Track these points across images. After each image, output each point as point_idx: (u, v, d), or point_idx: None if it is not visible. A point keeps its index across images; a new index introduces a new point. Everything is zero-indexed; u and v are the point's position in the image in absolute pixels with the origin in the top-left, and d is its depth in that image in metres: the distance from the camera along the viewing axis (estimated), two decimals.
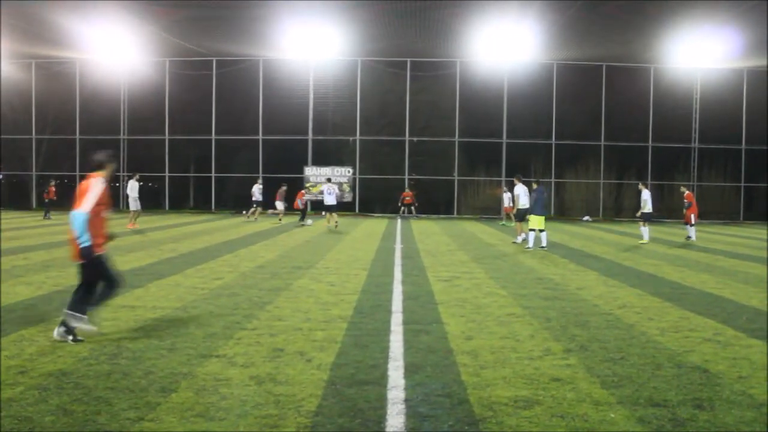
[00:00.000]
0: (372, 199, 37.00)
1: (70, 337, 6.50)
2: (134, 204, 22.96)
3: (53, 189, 28.76)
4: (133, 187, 22.96)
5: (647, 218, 20.31)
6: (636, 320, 8.08)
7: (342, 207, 34.56)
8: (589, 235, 23.44)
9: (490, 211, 33.77)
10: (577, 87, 35.98)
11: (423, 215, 34.60)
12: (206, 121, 36.70)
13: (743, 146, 36.43)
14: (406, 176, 36.12)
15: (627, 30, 28.91)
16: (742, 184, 36.86)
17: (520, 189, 18.68)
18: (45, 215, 28.02)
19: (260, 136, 36.51)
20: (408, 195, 34.60)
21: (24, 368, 5.61)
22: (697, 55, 33.02)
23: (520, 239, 19.05)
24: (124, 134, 37.47)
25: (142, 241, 18.10)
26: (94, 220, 6.50)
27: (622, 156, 36.65)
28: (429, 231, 24.35)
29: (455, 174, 36.61)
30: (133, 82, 36.88)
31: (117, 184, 38.54)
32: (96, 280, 6.71)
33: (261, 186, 29.18)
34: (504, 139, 36.29)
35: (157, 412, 4.59)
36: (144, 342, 6.58)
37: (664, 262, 14.81)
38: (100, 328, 6.89)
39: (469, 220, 33.71)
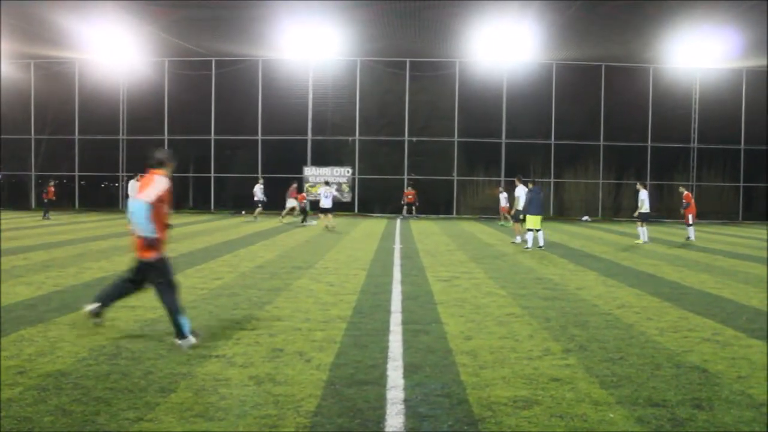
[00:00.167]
0: (371, 199, 37.00)
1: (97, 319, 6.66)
2: None
3: (52, 189, 28.73)
4: (133, 187, 22.90)
5: (645, 218, 20.33)
6: (635, 320, 8.08)
7: (341, 207, 34.65)
8: (588, 235, 23.45)
9: (490, 211, 33.73)
10: (576, 87, 35.98)
11: (422, 215, 34.59)
12: (205, 121, 36.67)
13: (742, 146, 36.43)
14: (405, 176, 36.12)
15: (626, 30, 28.92)
16: (741, 184, 36.87)
17: (521, 190, 18.68)
18: (44, 215, 28.00)
19: (259, 136, 36.50)
20: (410, 194, 34.63)
21: (23, 368, 5.60)
22: (696, 56, 33.03)
23: (518, 239, 19.06)
24: (123, 134, 37.45)
25: None
26: (156, 217, 6.47)
27: (622, 156, 36.66)
28: (428, 231, 24.35)
29: (454, 174, 36.61)
30: (132, 82, 36.84)
31: (116, 184, 38.60)
32: (147, 279, 6.64)
33: (262, 186, 29.18)
34: (503, 139, 36.29)
35: (156, 412, 4.59)
36: (143, 342, 6.58)
37: (664, 262, 14.81)
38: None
39: (468, 220, 33.71)
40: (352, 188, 36.29)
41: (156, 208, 6.45)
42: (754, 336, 7.30)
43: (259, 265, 12.96)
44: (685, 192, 22.02)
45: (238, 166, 37.18)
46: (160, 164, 6.73)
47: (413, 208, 34.35)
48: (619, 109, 36.36)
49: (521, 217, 18.68)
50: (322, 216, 24.75)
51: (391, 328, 7.44)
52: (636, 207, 20.53)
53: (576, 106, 36.59)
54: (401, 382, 5.39)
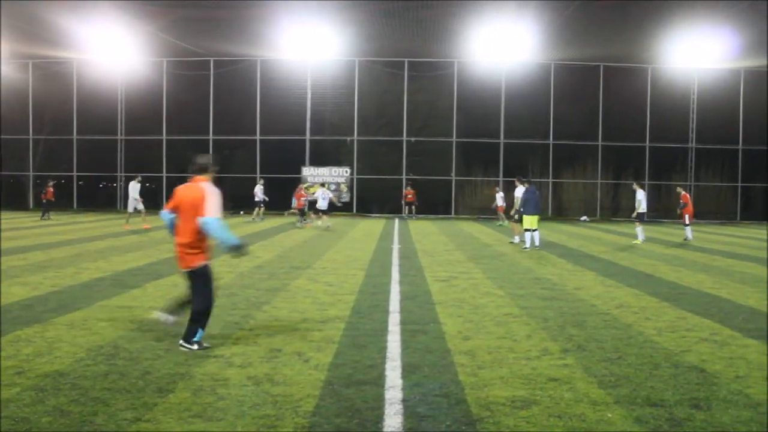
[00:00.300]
0: (370, 199, 37.00)
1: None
2: (132, 205, 22.81)
3: (51, 190, 28.68)
4: (134, 188, 22.83)
5: (642, 218, 20.37)
6: (633, 320, 8.09)
7: (339, 207, 34.64)
8: (587, 235, 23.47)
9: (488, 211, 33.70)
10: (574, 87, 35.99)
11: (420, 215, 34.59)
12: (204, 122, 36.62)
13: (740, 146, 36.46)
14: (404, 176, 36.13)
15: (624, 30, 28.94)
16: (739, 184, 36.91)
17: (521, 191, 18.67)
18: (42, 215, 27.97)
19: (258, 137, 36.47)
20: (410, 193, 34.65)
21: (21, 369, 5.60)
22: (694, 56, 33.06)
23: (517, 239, 19.07)
24: (121, 134, 37.40)
25: (140, 241, 18.08)
26: (191, 225, 6.34)
27: (620, 156, 36.68)
28: (426, 231, 24.36)
29: (453, 174, 36.61)
30: (130, 82, 36.79)
31: (115, 185, 38.56)
32: (201, 290, 6.52)
33: (262, 186, 29.18)
34: (501, 139, 36.30)
35: (154, 412, 4.58)
36: (141, 342, 6.58)
37: (661, 262, 14.83)
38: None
39: (467, 220, 33.73)
40: (350, 188, 36.28)
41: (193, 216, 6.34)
42: (752, 336, 7.31)
43: (257, 266, 12.95)
44: (683, 192, 22.05)
45: (236, 166, 37.15)
46: (202, 170, 6.55)
47: (413, 208, 34.37)
48: (618, 109, 36.37)
49: (516, 217, 18.71)
50: (314, 217, 24.86)
51: (390, 328, 7.44)
52: (634, 207, 20.56)
53: (574, 106, 36.61)
54: (399, 382, 5.39)
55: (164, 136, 36.87)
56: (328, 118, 37.34)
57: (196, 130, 36.64)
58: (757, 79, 35.14)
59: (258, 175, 34.38)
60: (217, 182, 6.72)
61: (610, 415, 4.67)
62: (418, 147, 36.59)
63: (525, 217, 17.40)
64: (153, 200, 36.63)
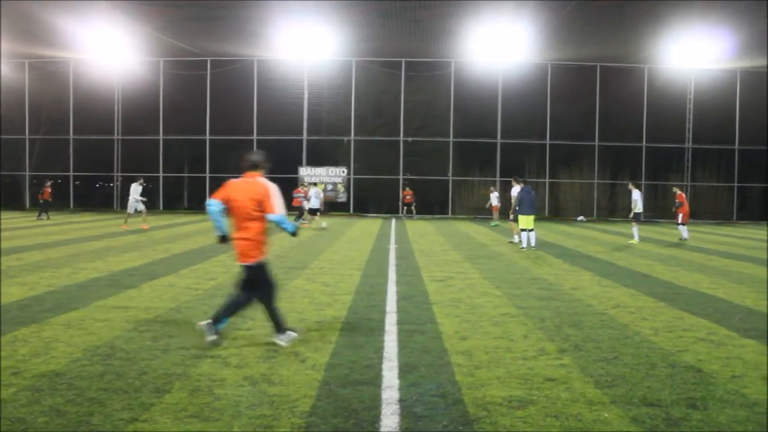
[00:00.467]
0: (366, 199, 37.02)
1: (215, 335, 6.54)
2: (132, 206, 22.68)
3: (49, 190, 28.60)
4: (135, 190, 22.73)
5: (638, 218, 20.41)
6: (630, 320, 8.10)
7: (336, 207, 34.65)
8: (583, 235, 23.49)
9: (485, 211, 33.73)
10: (571, 87, 36.04)
11: (417, 215, 34.60)
12: (200, 121, 36.60)
13: (736, 146, 36.55)
14: (401, 176, 36.15)
15: (621, 30, 28.98)
16: (736, 184, 37.00)
17: (516, 191, 18.69)
18: (39, 215, 27.91)
19: (254, 137, 36.43)
20: (408, 194, 34.67)
21: (17, 369, 5.59)
22: (690, 56, 33.13)
23: (516, 239, 19.09)
24: (118, 134, 37.35)
25: (137, 241, 18.05)
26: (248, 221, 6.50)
27: (616, 156, 36.74)
28: (423, 231, 24.36)
29: (450, 174, 36.64)
30: (127, 82, 36.76)
31: (111, 185, 38.49)
32: (257, 283, 6.63)
33: None
34: (498, 140, 36.34)
35: (150, 412, 4.58)
36: (137, 343, 6.56)
37: (658, 262, 14.85)
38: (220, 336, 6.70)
39: (464, 220, 33.75)
40: (347, 188, 36.27)
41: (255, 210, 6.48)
42: (748, 336, 7.32)
43: None
44: (678, 192, 22.09)
45: (233, 166, 37.09)
46: (255, 167, 6.67)
47: (412, 208, 34.38)
48: (614, 110, 36.45)
49: (512, 217, 18.73)
50: (310, 217, 24.88)
51: (386, 328, 7.44)
52: (630, 208, 20.60)
53: (571, 107, 36.66)
54: (396, 382, 5.39)
55: (161, 136, 36.83)
56: (325, 118, 37.32)
57: (192, 130, 36.62)
58: (754, 79, 35.22)
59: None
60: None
61: (606, 415, 4.68)
62: (415, 147, 36.61)
63: (520, 217, 17.40)
64: (150, 200, 36.69)
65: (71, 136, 37.03)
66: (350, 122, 36.37)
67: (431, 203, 36.77)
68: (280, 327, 6.58)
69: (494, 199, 28.71)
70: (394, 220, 31.52)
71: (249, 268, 6.60)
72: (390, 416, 4.59)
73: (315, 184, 26.93)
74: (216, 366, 5.77)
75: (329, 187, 35.00)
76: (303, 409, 4.69)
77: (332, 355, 6.19)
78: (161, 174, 37.05)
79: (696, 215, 31.04)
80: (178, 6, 26.25)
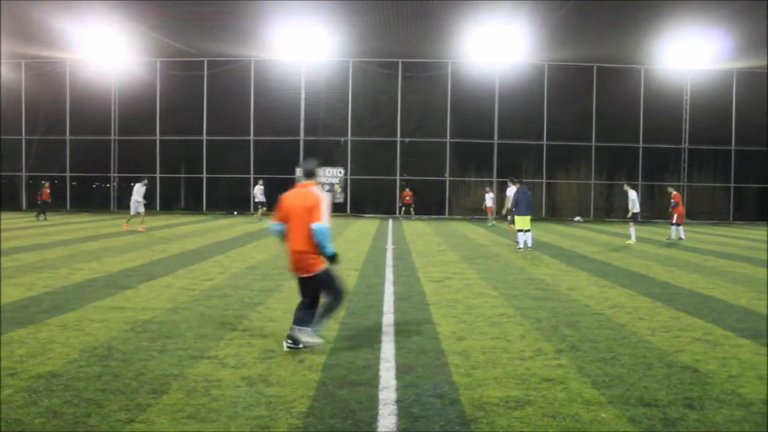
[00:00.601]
0: (363, 199, 37.00)
1: (301, 345, 6.38)
2: (134, 207, 22.60)
3: (47, 191, 28.54)
4: (139, 191, 22.69)
5: (635, 219, 20.46)
6: (627, 320, 8.11)
7: (333, 207, 34.52)
8: (580, 236, 23.53)
9: (481, 212, 33.77)
10: (568, 88, 36.06)
11: (415, 216, 34.61)
12: (197, 122, 36.54)
13: (733, 147, 36.61)
14: (398, 177, 36.15)
15: (618, 31, 29.02)
16: (732, 185, 37.07)
17: (512, 191, 18.70)
18: (37, 216, 27.86)
19: (251, 137, 36.39)
20: (408, 194, 34.69)
21: (14, 370, 5.58)
22: (687, 57, 33.20)
23: (521, 242, 19.10)
24: (114, 135, 37.27)
25: (134, 242, 18.03)
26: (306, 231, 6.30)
27: (613, 157, 36.75)
28: (420, 231, 24.37)
29: (447, 174, 36.65)
30: (123, 83, 36.66)
31: (108, 185, 38.42)
32: (320, 292, 6.49)
33: (262, 186, 29.13)
34: (495, 140, 36.35)
35: (147, 413, 4.57)
36: (134, 343, 6.56)
37: (655, 263, 14.87)
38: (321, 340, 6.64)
39: (460, 220, 33.77)
40: (344, 189, 36.26)
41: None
42: (744, 335, 7.34)
43: (250, 266, 12.94)
44: (674, 192, 22.12)
45: (230, 166, 37.08)
46: (310, 175, 6.62)
47: (411, 209, 34.39)
48: (611, 110, 36.46)
49: (509, 218, 18.75)
50: None
51: (384, 328, 7.45)
52: (627, 208, 20.63)
53: (568, 107, 36.68)
54: (393, 382, 5.39)
55: (158, 137, 36.75)
56: (322, 118, 37.30)
57: (189, 130, 36.55)
58: (750, 80, 35.29)
59: (254, 175, 34.36)
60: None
61: (603, 415, 4.69)
62: (412, 147, 36.60)
63: (517, 218, 17.41)
64: (147, 200, 36.65)
65: (68, 137, 36.92)
66: (347, 123, 36.35)
67: (428, 203, 36.77)
68: (313, 325, 6.44)
69: (489, 200, 28.71)
70: (391, 221, 31.53)
71: (312, 279, 6.40)
72: (387, 417, 4.59)
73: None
74: (213, 367, 5.77)
75: (326, 187, 34.97)
76: (300, 410, 4.69)
77: (329, 356, 6.19)
78: (158, 174, 36.96)
79: (692, 215, 31.11)
80: (176, 6, 26.21)
